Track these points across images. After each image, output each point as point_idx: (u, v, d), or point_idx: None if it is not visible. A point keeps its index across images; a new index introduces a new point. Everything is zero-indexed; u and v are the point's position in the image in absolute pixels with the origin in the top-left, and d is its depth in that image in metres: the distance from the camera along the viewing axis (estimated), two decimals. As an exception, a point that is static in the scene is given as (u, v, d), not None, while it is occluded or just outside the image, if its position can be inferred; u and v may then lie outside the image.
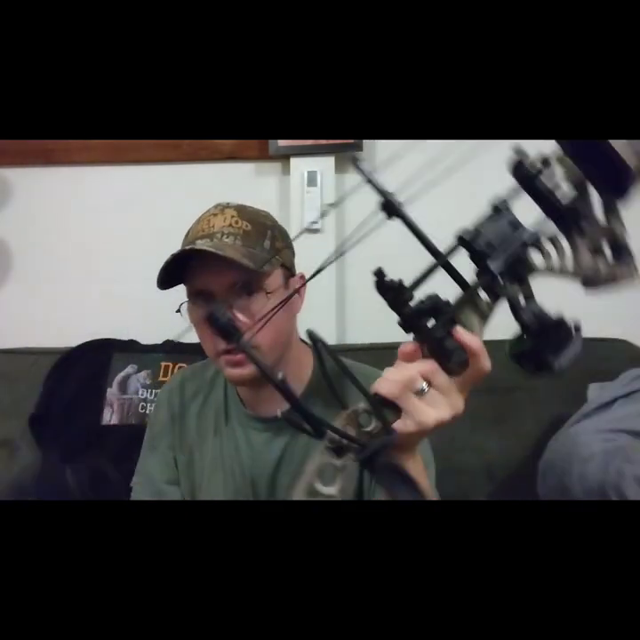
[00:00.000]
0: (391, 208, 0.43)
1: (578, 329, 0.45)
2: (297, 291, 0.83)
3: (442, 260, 0.45)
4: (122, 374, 1.34)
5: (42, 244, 1.55)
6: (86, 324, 1.45)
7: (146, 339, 1.41)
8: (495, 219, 0.45)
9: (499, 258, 0.44)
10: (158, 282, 0.81)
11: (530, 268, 0.45)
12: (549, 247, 0.45)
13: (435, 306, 0.45)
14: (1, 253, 1.55)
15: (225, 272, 0.77)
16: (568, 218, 0.45)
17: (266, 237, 0.81)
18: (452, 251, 0.45)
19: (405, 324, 0.45)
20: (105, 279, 1.55)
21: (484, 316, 0.47)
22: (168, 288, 0.83)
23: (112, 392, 1.33)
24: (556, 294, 1.60)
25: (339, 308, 1.49)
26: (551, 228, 0.45)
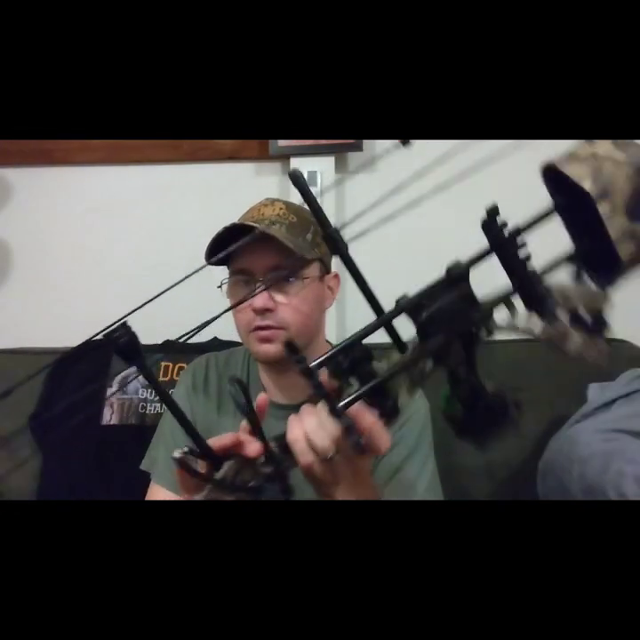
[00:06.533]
0: (334, 246, 0.41)
1: (518, 407, 0.43)
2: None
3: (379, 322, 0.43)
4: (122, 374, 1.34)
5: (42, 244, 1.55)
6: (86, 324, 1.45)
7: (146, 339, 1.41)
8: (445, 290, 0.41)
9: (438, 335, 0.41)
10: (207, 255, 0.84)
11: (478, 342, 0.42)
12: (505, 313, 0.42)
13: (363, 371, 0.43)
14: (1, 253, 1.55)
15: (268, 254, 0.83)
16: (539, 291, 0.41)
17: (309, 231, 0.87)
18: (391, 315, 0.43)
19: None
20: (105, 279, 1.54)
21: (415, 384, 0.44)
22: (215, 265, 0.85)
23: (112, 392, 1.33)
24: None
25: (339, 307, 1.49)
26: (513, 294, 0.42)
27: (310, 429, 0.46)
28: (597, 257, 0.38)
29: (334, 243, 0.40)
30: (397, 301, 0.41)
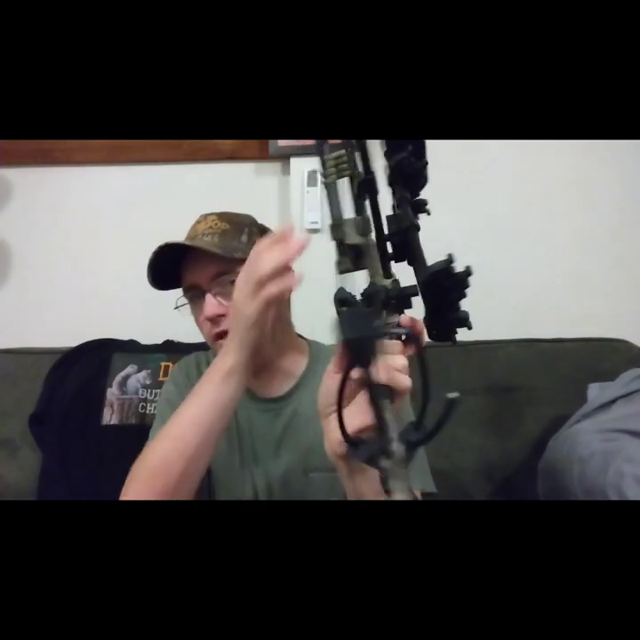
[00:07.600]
0: (370, 187, 0.45)
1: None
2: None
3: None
4: (122, 374, 1.34)
5: (42, 244, 1.55)
6: (86, 324, 1.45)
7: (146, 339, 1.41)
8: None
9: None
10: (150, 281, 0.91)
11: None
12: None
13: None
14: (1, 253, 1.55)
15: (205, 265, 0.87)
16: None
17: (243, 233, 0.91)
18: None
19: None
20: (105, 279, 1.54)
21: None
22: (167, 289, 0.94)
23: (112, 392, 1.33)
24: (556, 295, 1.58)
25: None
26: None
27: (400, 362, 0.52)
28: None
29: (370, 185, 0.47)
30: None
